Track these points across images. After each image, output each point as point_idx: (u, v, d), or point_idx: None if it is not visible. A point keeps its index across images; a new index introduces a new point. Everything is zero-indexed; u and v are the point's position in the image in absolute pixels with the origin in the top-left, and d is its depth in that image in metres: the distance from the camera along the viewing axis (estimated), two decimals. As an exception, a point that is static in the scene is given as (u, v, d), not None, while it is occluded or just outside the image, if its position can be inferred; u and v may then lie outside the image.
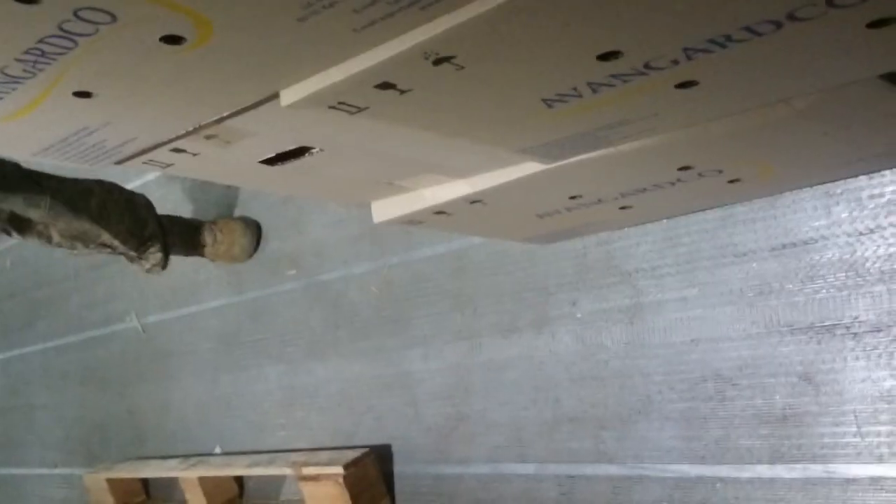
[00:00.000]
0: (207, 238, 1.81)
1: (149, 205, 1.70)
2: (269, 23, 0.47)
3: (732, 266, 1.06)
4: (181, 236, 1.77)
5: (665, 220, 1.12)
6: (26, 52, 0.49)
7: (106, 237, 1.60)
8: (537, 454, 1.27)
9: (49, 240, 1.55)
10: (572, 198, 0.88)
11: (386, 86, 0.55)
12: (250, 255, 1.84)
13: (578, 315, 1.22)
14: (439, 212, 0.92)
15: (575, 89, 0.56)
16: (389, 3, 0.45)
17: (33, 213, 1.48)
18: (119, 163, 0.75)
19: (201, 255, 1.83)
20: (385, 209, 0.95)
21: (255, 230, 1.84)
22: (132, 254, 1.68)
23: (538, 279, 1.28)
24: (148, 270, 1.73)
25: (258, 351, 1.84)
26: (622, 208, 0.95)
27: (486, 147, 0.72)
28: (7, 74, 0.53)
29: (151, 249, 1.68)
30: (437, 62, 0.51)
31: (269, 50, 0.51)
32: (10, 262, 2.93)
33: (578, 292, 1.22)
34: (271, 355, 1.80)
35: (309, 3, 0.45)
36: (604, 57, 0.51)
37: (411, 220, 0.95)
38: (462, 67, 0.52)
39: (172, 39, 0.48)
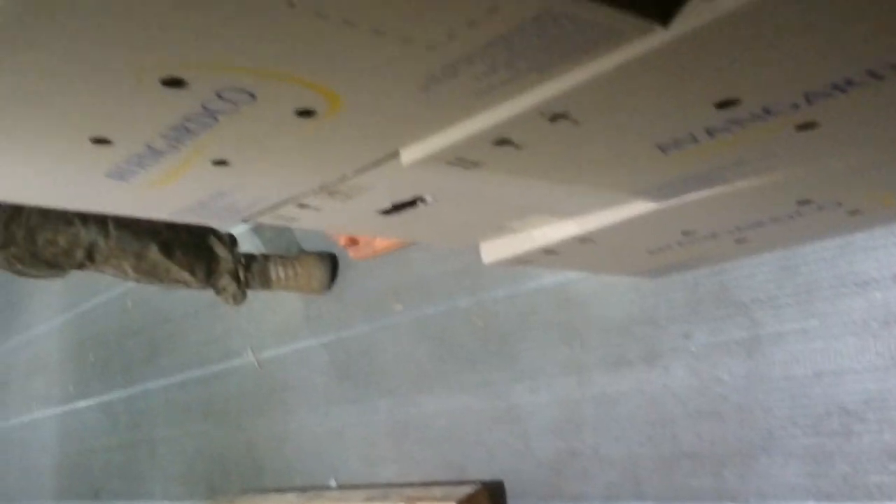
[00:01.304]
0: (281, 273, 1.87)
1: (224, 239, 1.77)
2: (395, 94, 0.49)
3: (854, 296, 1.03)
4: (256, 271, 1.84)
5: (780, 250, 1.10)
6: (171, 129, 0.53)
7: (175, 272, 1.68)
8: (655, 492, 1.25)
9: (126, 274, 1.65)
10: (685, 233, 0.88)
11: (503, 142, 0.57)
12: (328, 288, 1.90)
13: (693, 348, 1.20)
14: (549, 251, 0.93)
15: (691, 135, 0.57)
16: (508, 69, 0.47)
17: (102, 242, 1.56)
18: (246, 220, 0.79)
19: (271, 288, 1.89)
20: (494, 250, 0.97)
21: (328, 263, 1.90)
22: (208, 288, 1.76)
23: (647, 311, 1.27)
24: (228, 301, 1.81)
25: (368, 384, 1.88)
26: (737, 241, 0.94)
27: (597, 189, 0.72)
28: (153, 149, 0.57)
29: (223, 283, 1.76)
30: (554, 119, 0.52)
31: (393, 117, 0.53)
32: (131, 301, 3.09)
33: (691, 325, 1.20)
34: (380, 388, 1.84)
35: (432, 75, 0.47)
36: (722, 105, 0.51)
37: (521, 261, 0.96)
38: (578, 122, 0.53)
39: (305, 113, 0.51)
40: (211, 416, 2.51)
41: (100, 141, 0.54)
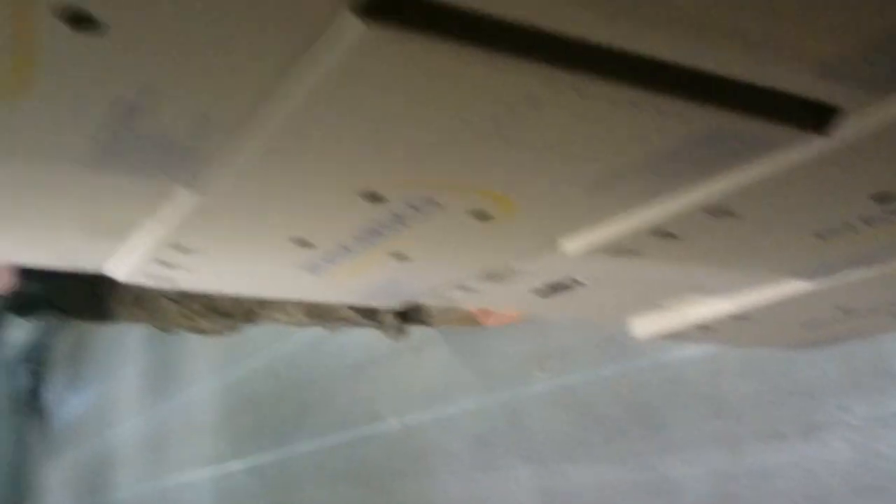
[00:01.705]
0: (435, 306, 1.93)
1: None
2: (563, 197, 0.54)
3: None
4: (416, 305, 1.90)
5: (944, 321, 1.06)
6: (364, 233, 0.60)
7: (341, 310, 1.76)
8: (816, 569, 1.21)
9: (293, 317, 1.74)
10: (841, 310, 0.88)
11: (664, 234, 0.60)
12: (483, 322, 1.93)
13: (853, 422, 1.17)
14: (702, 328, 0.94)
15: (849, 224, 0.59)
16: (673, 174, 0.51)
17: None
18: (412, 301, 0.86)
19: (433, 324, 1.94)
20: (645, 325, 0.99)
21: None
22: (372, 324, 1.83)
23: (801, 383, 1.24)
24: (391, 337, 1.88)
25: (511, 452, 1.90)
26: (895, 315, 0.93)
27: (752, 271, 0.74)
28: (344, 247, 0.64)
29: (385, 319, 1.83)
30: (715, 214, 0.56)
31: (560, 215, 0.58)
32: (281, 366, 3.25)
33: (848, 397, 1.18)
34: (523, 457, 1.86)
35: (600, 181, 0.52)
36: (879, 198, 0.53)
37: (673, 336, 0.98)
38: (738, 216, 0.56)
39: (481, 215, 0.57)
40: (357, 479, 2.60)
41: (299, 242, 0.62)
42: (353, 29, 0.34)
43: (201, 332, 1.72)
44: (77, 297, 1.55)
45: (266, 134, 0.43)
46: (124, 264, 0.67)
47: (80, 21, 0.32)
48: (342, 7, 0.32)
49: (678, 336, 0.98)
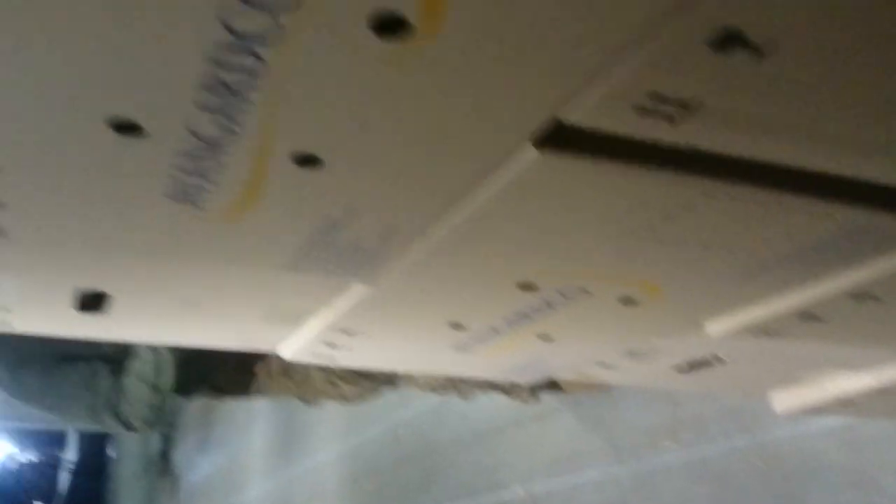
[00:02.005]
0: None
1: None
2: (711, 285, 0.57)
3: None
4: None
5: None
6: (514, 316, 0.65)
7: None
8: None
9: (435, 387, 1.78)
10: None
11: (808, 317, 0.62)
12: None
13: None
14: (844, 402, 0.93)
15: None
16: (818, 264, 0.53)
17: None
18: (551, 377, 0.89)
19: (564, 390, 1.95)
20: (785, 399, 0.99)
21: None
22: (504, 390, 1.85)
23: (954, 458, 1.19)
24: (523, 401, 1.89)
25: (642, 524, 1.87)
26: None
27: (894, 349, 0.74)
28: (494, 329, 0.69)
29: (517, 385, 1.85)
30: (860, 299, 0.57)
31: (706, 300, 0.61)
32: (404, 432, 3.31)
33: None
34: (655, 529, 1.83)
35: (748, 271, 0.54)
36: None
37: (814, 410, 0.97)
38: (882, 301, 0.57)
39: (628, 301, 0.61)
40: (482, 547, 2.59)
41: (456, 326, 0.67)
42: (528, 155, 0.39)
43: (344, 398, 1.79)
44: (231, 375, 1.66)
45: (439, 237, 0.48)
46: (294, 345, 0.73)
47: (305, 161, 0.38)
48: (525, 141, 0.37)
49: (819, 410, 0.97)
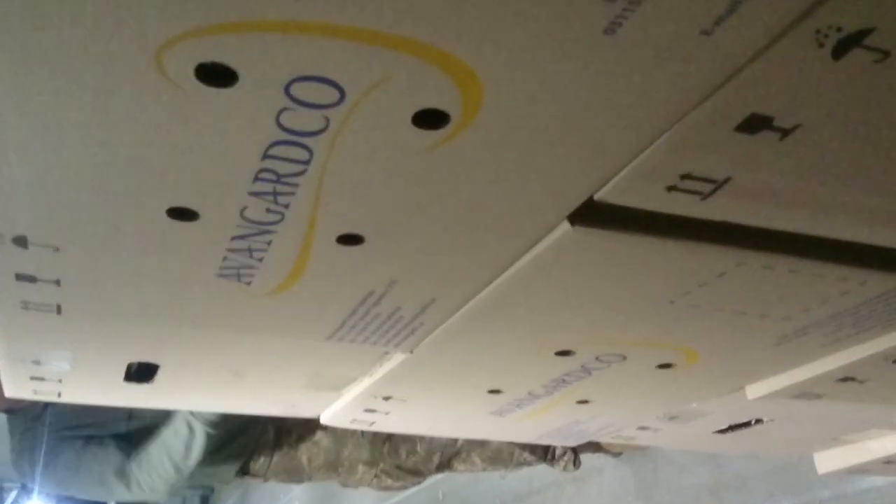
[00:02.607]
0: None
1: None
2: (748, 351, 0.58)
3: None
4: None
5: None
6: (552, 381, 0.66)
7: (517, 454, 1.78)
8: None
9: (475, 465, 1.77)
10: None
11: (846, 379, 0.62)
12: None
13: None
14: (888, 462, 0.92)
15: None
16: (855, 327, 0.53)
17: (453, 441, 1.71)
18: (590, 440, 0.89)
19: (604, 451, 1.92)
20: (829, 460, 0.97)
21: None
22: (545, 461, 1.83)
23: None
24: (564, 469, 1.87)
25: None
26: None
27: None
28: (532, 395, 0.69)
29: (559, 452, 1.82)
30: (897, 361, 0.57)
31: (744, 367, 0.62)
32: (441, 493, 3.27)
33: None
34: None
35: (784, 336, 0.55)
36: None
37: (858, 470, 0.96)
38: (924, 362, 0.57)
39: (665, 366, 0.61)
40: None
41: (494, 392, 0.68)
42: (561, 228, 0.40)
43: (387, 489, 1.79)
44: (276, 462, 1.66)
45: (478, 307, 0.49)
46: (335, 412, 0.75)
47: (348, 240, 0.40)
48: (562, 219, 0.38)
49: (862, 470, 0.95)
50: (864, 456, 0.92)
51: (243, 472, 1.69)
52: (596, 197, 0.38)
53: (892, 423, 0.83)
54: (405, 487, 1.80)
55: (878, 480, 1.36)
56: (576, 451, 1.85)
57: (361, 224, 0.39)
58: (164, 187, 0.34)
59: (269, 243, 0.40)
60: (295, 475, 1.73)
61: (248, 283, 0.44)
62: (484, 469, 1.82)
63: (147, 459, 1.46)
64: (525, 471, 2.52)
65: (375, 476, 1.71)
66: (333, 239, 0.40)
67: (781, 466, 1.57)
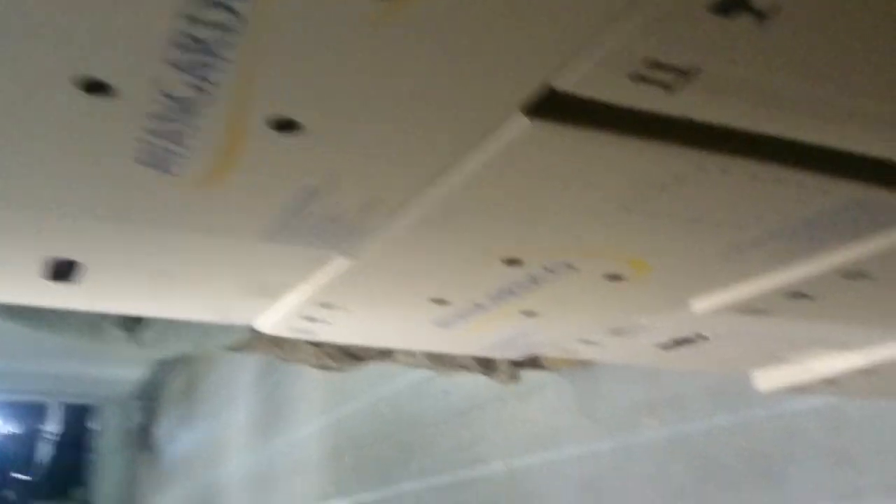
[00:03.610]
0: None
1: None
2: (699, 261, 0.56)
3: None
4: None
5: None
6: (498, 292, 0.64)
7: (459, 357, 1.80)
8: None
9: (415, 359, 1.79)
10: (979, 366, 0.85)
11: (796, 295, 0.61)
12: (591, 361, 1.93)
13: None
14: (829, 382, 0.93)
15: None
16: (810, 240, 0.52)
17: None
18: (535, 353, 0.88)
19: (544, 367, 1.95)
20: (769, 378, 0.99)
21: None
22: (487, 371, 1.86)
23: (933, 438, 1.20)
24: (502, 382, 1.89)
25: (622, 501, 1.88)
26: None
27: (885, 328, 0.74)
28: (478, 305, 0.67)
29: (498, 365, 1.85)
30: (850, 277, 0.56)
31: (693, 277, 0.60)
32: (385, 407, 3.31)
33: None
34: (634, 505, 1.84)
35: (737, 246, 0.53)
36: None
37: (798, 389, 0.97)
38: (874, 279, 0.56)
39: (615, 277, 0.60)
40: (461, 522, 2.60)
41: (439, 301, 0.66)
42: (518, 123, 0.37)
43: (325, 368, 1.80)
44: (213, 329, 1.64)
45: (422, 209, 0.47)
46: (272, 319, 0.72)
47: (284, 126, 0.36)
48: (514, 110, 0.35)
49: (802, 389, 0.97)
50: (805, 375, 0.93)
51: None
52: (556, 86, 0.34)
53: (838, 343, 0.83)
54: (342, 370, 1.81)
55: (815, 401, 1.40)
56: (516, 364, 1.87)
57: (299, 109, 0.35)
58: (70, 53, 0.30)
59: (195, 127, 0.37)
60: (237, 346, 1.72)
61: (174, 173, 0.41)
62: (425, 365, 1.83)
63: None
64: (468, 386, 2.55)
65: (317, 356, 1.71)
66: (267, 124, 0.36)
67: (719, 384, 1.61)
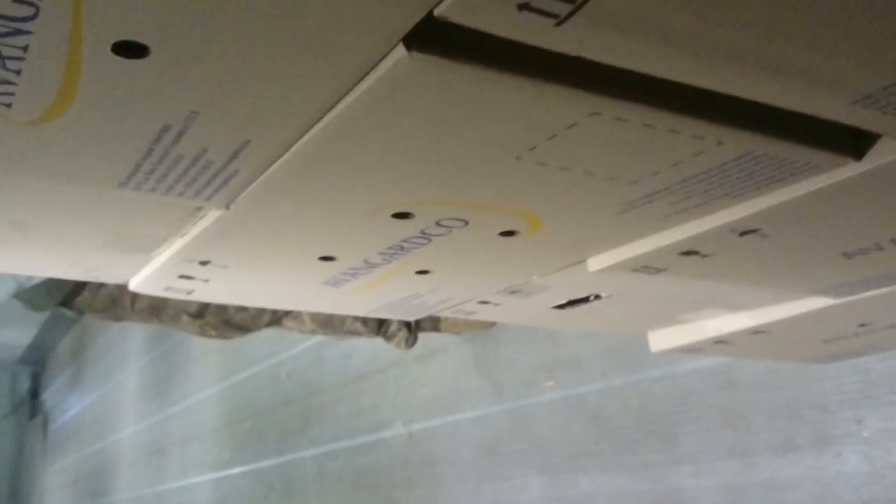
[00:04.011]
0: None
1: None
2: (594, 217, 0.54)
3: None
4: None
5: (959, 336, 1.06)
6: (389, 248, 0.60)
7: (349, 322, 1.77)
8: (829, 583, 1.20)
9: (304, 325, 1.75)
10: (862, 325, 0.88)
11: (690, 253, 0.60)
12: (491, 325, 1.94)
13: (865, 434, 1.17)
14: (720, 342, 0.94)
15: (877, 244, 0.58)
16: (704, 196, 0.51)
17: None
18: (430, 314, 0.86)
19: (441, 330, 1.95)
20: (662, 339, 0.99)
21: None
22: (381, 336, 1.84)
23: (816, 396, 1.24)
24: (398, 346, 1.88)
25: (520, 461, 1.90)
26: (915, 331, 0.92)
27: (776, 288, 0.74)
28: (369, 263, 0.64)
29: (394, 330, 1.84)
30: (743, 234, 0.56)
31: (588, 234, 0.58)
32: (284, 372, 3.25)
33: (863, 410, 1.17)
34: (533, 466, 1.86)
35: (631, 202, 0.51)
36: (912, 219, 0.53)
37: (690, 350, 0.98)
38: (767, 236, 0.56)
39: (509, 233, 0.57)
40: (361, 486, 2.59)
41: (326, 259, 0.62)
42: (395, 55, 0.34)
43: (209, 337, 1.74)
44: (94, 300, 1.57)
45: (300, 154, 0.43)
46: (147, 278, 0.67)
47: (128, 49, 0.32)
48: (397, 43, 0.32)
49: (694, 349, 0.98)
50: (697, 335, 0.94)
51: (64, 304, 1.59)
52: (436, 13, 0.31)
53: (728, 303, 0.84)
54: (230, 338, 1.76)
55: (705, 361, 1.43)
56: (411, 328, 1.85)
57: (142, 27, 0.31)
58: None
59: (24, 48, 0.32)
60: (112, 313, 1.64)
61: (7, 105, 0.35)
62: (313, 332, 1.79)
63: None
64: (369, 350, 2.52)
65: (199, 327, 1.65)
66: (108, 47, 0.32)
67: (616, 346, 1.63)
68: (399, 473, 2.38)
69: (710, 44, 0.33)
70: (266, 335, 2.27)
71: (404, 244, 0.59)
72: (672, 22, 0.32)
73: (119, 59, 0.32)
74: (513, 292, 0.78)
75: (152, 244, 0.58)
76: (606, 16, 0.31)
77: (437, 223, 0.54)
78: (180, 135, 0.39)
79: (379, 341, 1.97)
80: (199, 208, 0.52)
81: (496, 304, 0.83)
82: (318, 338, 2.75)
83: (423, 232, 0.56)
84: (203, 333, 1.68)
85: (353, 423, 2.68)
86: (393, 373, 2.44)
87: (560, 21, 0.31)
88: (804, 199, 0.49)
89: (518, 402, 1.91)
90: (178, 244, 0.59)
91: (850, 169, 0.45)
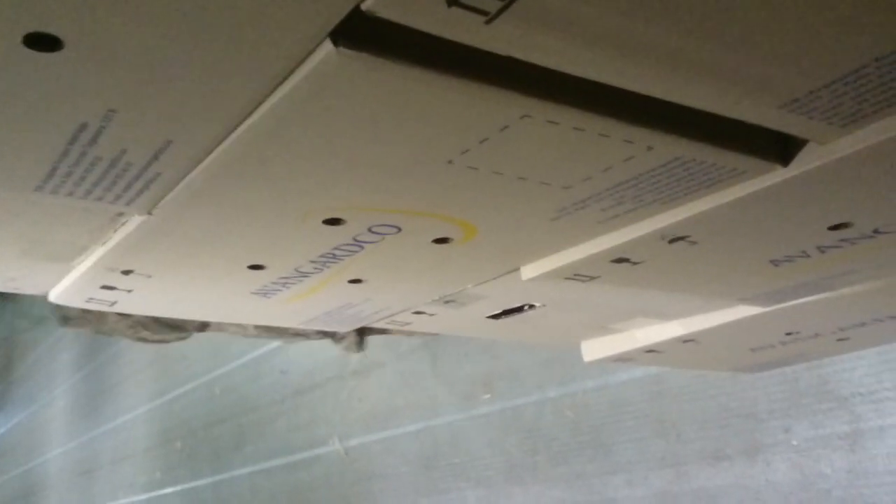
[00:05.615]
0: None
1: None
2: (526, 224, 0.54)
3: (962, 390, 1.02)
4: None
5: (882, 346, 1.10)
6: (321, 256, 0.59)
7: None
8: (760, 589, 1.22)
9: (246, 330, 1.70)
10: (789, 334, 0.90)
11: (620, 260, 0.60)
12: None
13: (794, 442, 1.20)
14: (650, 351, 0.95)
15: (803, 251, 0.60)
16: (634, 202, 0.51)
17: None
18: (364, 325, 0.85)
19: (392, 332, 1.93)
20: (595, 349, 1.00)
21: None
22: (325, 338, 1.81)
23: (746, 405, 1.27)
24: (347, 350, 1.85)
25: (456, 475, 1.89)
26: (839, 340, 0.95)
27: (704, 296, 0.75)
28: (300, 272, 0.63)
29: (342, 333, 1.81)
30: (673, 241, 0.56)
31: (521, 242, 0.58)
32: (219, 389, 3.18)
33: (791, 418, 1.20)
34: (469, 479, 1.85)
35: (563, 208, 0.51)
36: (834, 227, 0.54)
37: (621, 359, 0.99)
38: (696, 243, 0.56)
39: (442, 240, 0.57)
40: (298, 503, 2.55)
41: (255, 267, 0.60)
42: (322, 50, 0.33)
43: (145, 341, 1.67)
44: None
45: (225, 156, 0.41)
46: (67, 289, 0.64)
47: (40, 41, 0.30)
48: (324, 38, 0.31)
49: (626, 359, 0.99)
50: (628, 344, 0.95)
51: None
52: (363, 7, 0.30)
53: (659, 312, 0.85)
54: (165, 341, 1.70)
55: (638, 371, 1.45)
56: (361, 330, 1.83)
57: (56, 19, 0.29)
58: None
59: (-75, 40, 0.30)
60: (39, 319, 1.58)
61: None
62: (258, 335, 1.74)
63: None
64: (306, 365, 2.48)
65: (131, 327, 1.59)
66: (19, 39, 0.30)
67: (552, 358, 1.64)
68: (335, 490, 2.34)
69: (640, 45, 0.33)
70: (201, 352, 2.22)
71: (336, 252, 0.58)
72: (602, 22, 0.32)
73: (31, 52, 0.31)
74: (447, 302, 0.78)
75: (72, 252, 0.56)
76: (536, 14, 0.31)
77: (370, 230, 0.54)
78: (98, 134, 0.37)
79: (318, 355, 1.94)
80: (121, 214, 0.50)
81: (431, 315, 0.82)
82: (255, 352, 2.70)
83: (355, 239, 0.55)
84: (136, 335, 1.61)
85: (289, 440, 2.63)
86: (331, 387, 2.41)
87: (490, 18, 0.31)
88: (731, 206, 0.50)
89: (455, 415, 1.91)
90: (98, 252, 0.56)
91: (777, 175, 0.46)
